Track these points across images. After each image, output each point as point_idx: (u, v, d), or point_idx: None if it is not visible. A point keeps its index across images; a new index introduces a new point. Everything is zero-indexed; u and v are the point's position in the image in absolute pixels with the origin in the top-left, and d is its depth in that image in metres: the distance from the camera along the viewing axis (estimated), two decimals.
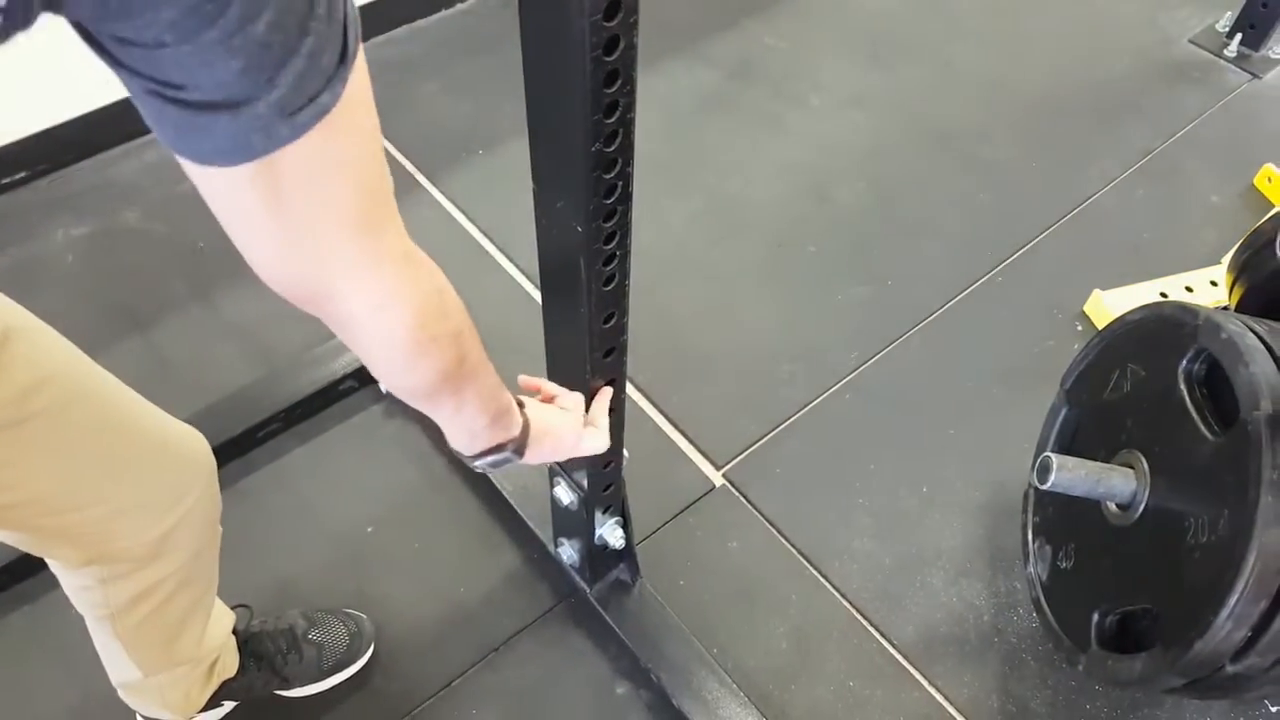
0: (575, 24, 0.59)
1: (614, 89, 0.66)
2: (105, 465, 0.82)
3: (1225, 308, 1.36)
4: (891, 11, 2.25)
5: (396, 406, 1.50)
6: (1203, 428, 1.01)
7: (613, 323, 0.87)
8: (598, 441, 0.90)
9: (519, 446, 0.79)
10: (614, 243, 0.80)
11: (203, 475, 0.92)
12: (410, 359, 0.61)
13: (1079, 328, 1.65)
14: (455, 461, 1.43)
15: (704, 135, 1.96)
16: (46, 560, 0.91)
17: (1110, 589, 1.10)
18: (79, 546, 0.85)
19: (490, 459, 0.78)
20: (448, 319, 0.62)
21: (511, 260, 1.70)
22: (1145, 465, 1.08)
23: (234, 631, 1.12)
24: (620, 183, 0.75)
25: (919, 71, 2.11)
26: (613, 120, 0.69)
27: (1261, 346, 0.96)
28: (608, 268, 0.82)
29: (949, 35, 2.20)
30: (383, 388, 1.49)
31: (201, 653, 1.05)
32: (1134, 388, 1.15)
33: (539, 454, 0.83)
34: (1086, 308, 1.66)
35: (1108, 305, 1.61)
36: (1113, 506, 1.11)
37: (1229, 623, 0.90)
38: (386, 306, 0.56)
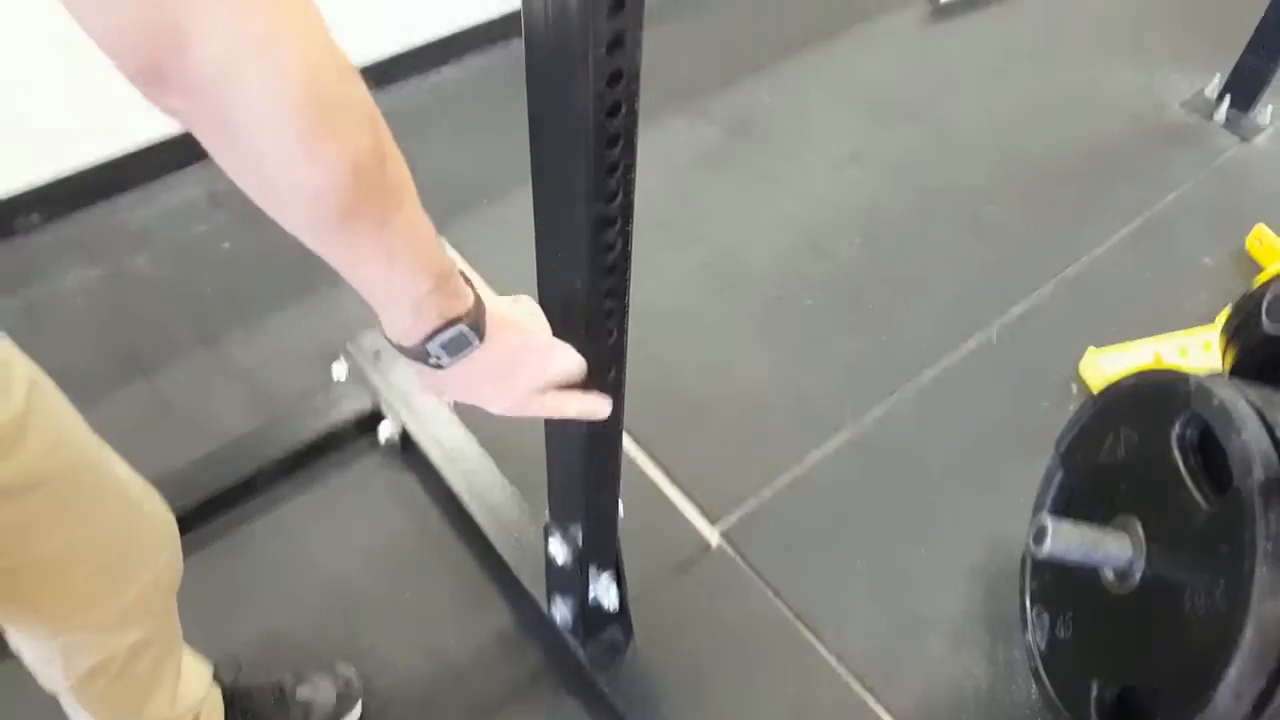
0: (580, 89, 0.61)
1: (616, 150, 0.68)
2: (98, 530, 0.79)
3: (1219, 371, 1.37)
4: (888, 72, 2.29)
5: (393, 456, 1.50)
6: (1196, 494, 1.01)
7: (611, 377, 0.88)
8: (571, 360, 0.75)
9: (476, 323, 0.63)
10: (613, 298, 0.80)
11: (171, 538, 0.89)
12: (310, 133, 0.44)
13: (1074, 388, 1.65)
14: (450, 513, 1.43)
15: (703, 190, 1.98)
16: (5, 632, 0.85)
17: (1109, 660, 1.10)
18: (52, 616, 0.81)
19: (444, 337, 0.61)
20: (349, 79, 0.47)
21: None
22: (1141, 531, 1.08)
23: (221, 686, 1.11)
24: (620, 240, 0.76)
25: (915, 131, 2.14)
26: (614, 180, 0.70)
27: (1253, 413, 0.97)
28: (607, 322, 0.83)
29: (945, 96, 2.24)
30: (383, 435, 1.49)
31: (177, 712, 1.01)
32: (1128, 452, 1.15)
33: (505, 348, 0.67)
34: (1081, 367, 1.67)
35: (1102, 366, 1.62)
36: (1109, 573, 1.11)
37: (1230, 699, 0.89)
38: (267, 46, 0.41)
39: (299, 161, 0.45)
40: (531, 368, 0.72)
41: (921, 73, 2.30)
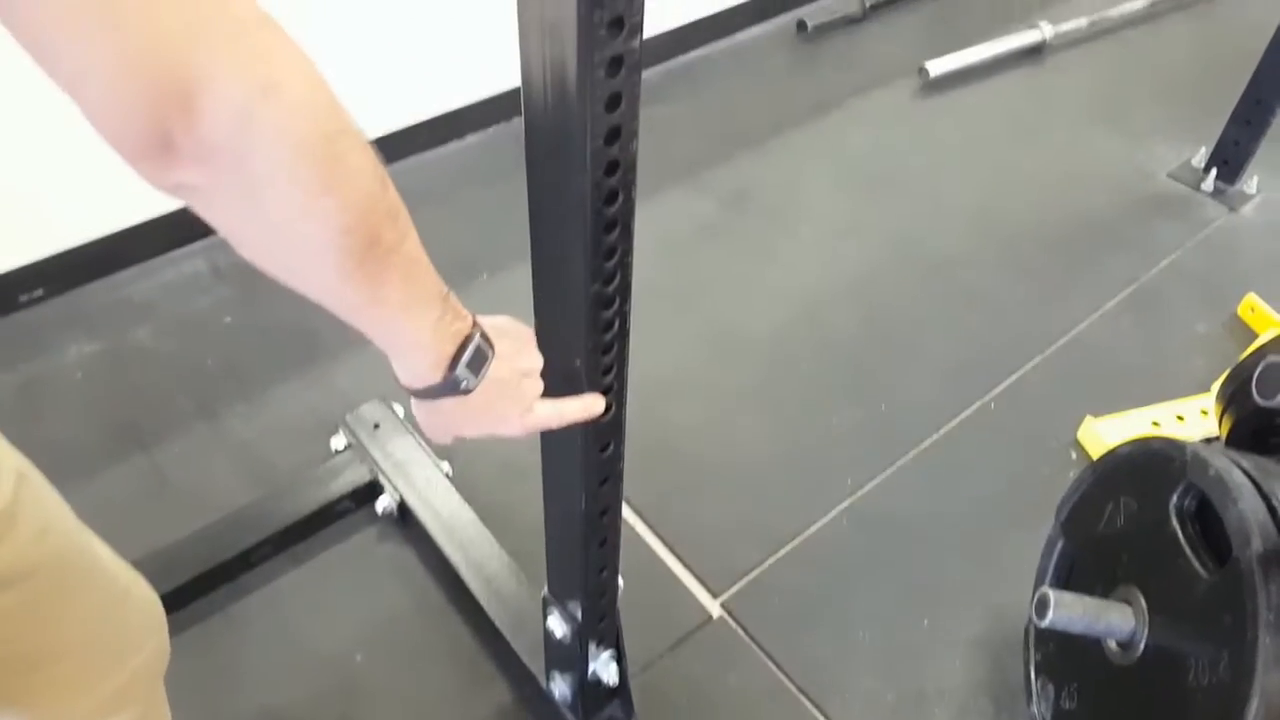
0: (578, 178, 0.62)
1: (613, 235, 0.69)
2: (87, 619, 0.77)
3: (1216, 437, 1.38)
4: (880, 146, 2.33)
5: (391, 528, 1.49)
6: (1197, 564, 1.01)
7: (609, 451, 0.89)
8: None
9: (484, 334, 0.65)
10: (612, 374, 0.82)
11: (158, 622, 0.86)
12: (328, 170, 0.45)
13: (1073, 455, 1.66)
14: (448, 586, 1.42)
15: (701, 261, 2.01)
16: None
17: None
18: (38, 707, 0.77)
19: (467, 355, 0.63)
20: (342, 109, 0.47)
21: None
22: (1143, 602, 1.07)
23: None
24: (618, 319, 0.77)
25: (908, 202, 2.18)
26: (612, 263, 0.72)
27: (1249, 483, 0.97)
28: (605, 398, 0.84)
29: (936, 168, 2.28)
30: (380, 507, 1.48)
31: None
32: (1127, 521, 1.15)
33: (509, 354, 0.68)
34: (1080, 436, 1.67)
35: (1100, 434, 1.63)
36: (1113, 644, 1.11)
37: None
38: (273, 91, 0.41)
39: (321, 200, 0.46)
40: (532, 366, 0.74)
41: (913, 145, 2.35)
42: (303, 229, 0.47)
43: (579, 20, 0.54)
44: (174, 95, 0.39)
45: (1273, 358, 1.02)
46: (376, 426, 1.54)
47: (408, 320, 0.59)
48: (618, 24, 0.56)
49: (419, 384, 0.64)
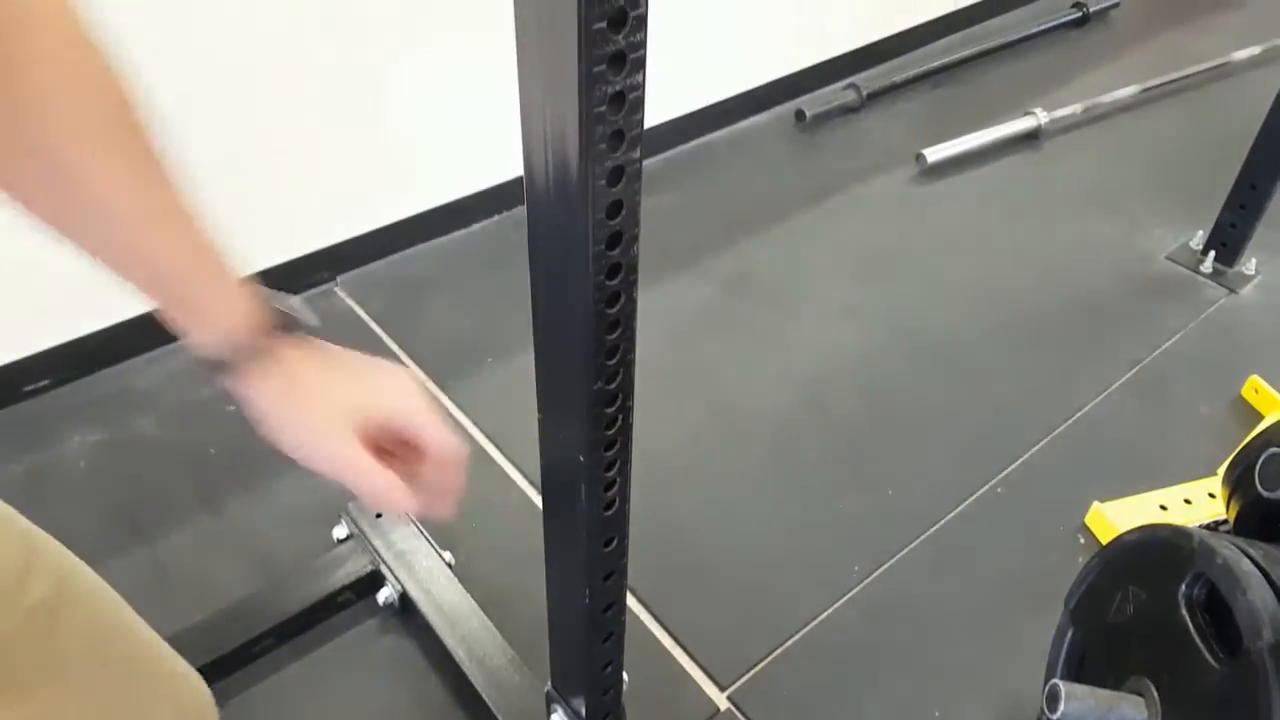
0: (579, 282, 0.64)
1: (615, 335, 0.71)
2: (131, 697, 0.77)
3: (1224, 521, 1.37)
4: (880, 229, 2.37)
5: (392, 620, 1.48)
6: (1208, 655, 0.99)
7: (612, 546, 0.88)
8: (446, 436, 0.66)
9: (240, 347, 0.57)
10: (614, 470, 0.82)
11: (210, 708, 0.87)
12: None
13: (1081, 540, 1.64)
14: (450, 679, 1.40)
15: (703, 345, 2.02)
16: None
17: None
18: None
19: (295, 298, 0.58)
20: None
21: (517, 467, 1.73)
22: (1155, 694, 1.05)
23: None
24: (621, 415, 0.78)
25: (908, 286, 2.20)
26: (614, 362, 0.73)
27: (1257, 572, 0.96)
28: (608, 493, 0.84)
29: (936, 251, 2.31)
30: (382, 598, 1.47)
31: None
32: (1137, 610, 1.14)
33: (345, 355, 0.62)
34: (1088, 520, 1.66)
35: (1109, 518, 1.62)
36: None
37: None
38: None
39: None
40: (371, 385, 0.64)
41: (912, 229, 2.38)
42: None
43: (581, 134, 0.56)
44: None
45: (1275, 449, 1.02)
46: (378, 516, 1.54)
47: (201, 252, 0.55)
48: (618, 136, 0.58)
49: (229, 331, 0.58)
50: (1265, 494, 1.07)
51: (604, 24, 0.55)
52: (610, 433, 0.78)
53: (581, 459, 0.79)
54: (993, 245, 2.34)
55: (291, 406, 0.59)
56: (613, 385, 0.74)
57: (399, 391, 0.66)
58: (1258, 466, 1.10)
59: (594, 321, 0.66)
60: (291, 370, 0.59)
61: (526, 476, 1.71)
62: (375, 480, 0.62)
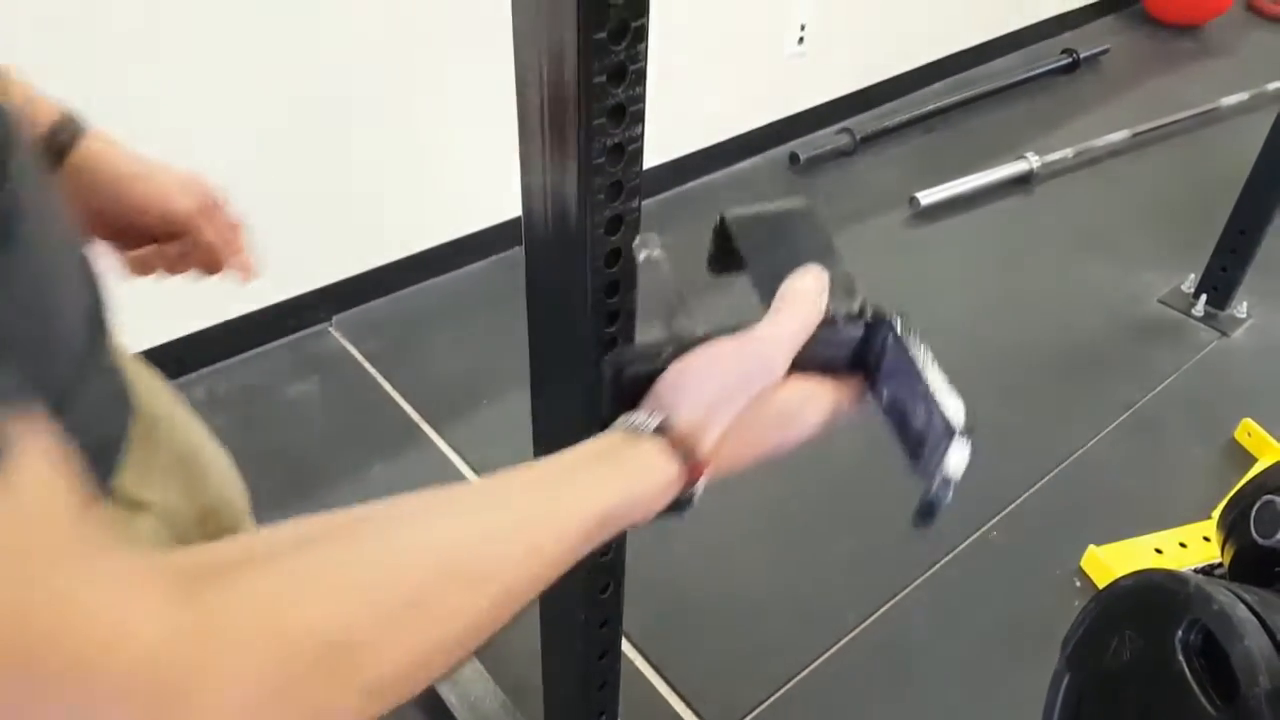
0: (578, 327, 0.64)
1: None
2: None
3: (1220, 564, 1.37)
4: (874, 272, 2.36)
5: None
6: (1204, 702, 0.99)
7: (608, 593, 0.88)
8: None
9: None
10: None
11: None
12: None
13: (1077, 584, 1.64)
14: None
15: None
16: None
17: None
18: None
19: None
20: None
21: None
22: None
23: None
24: None
25: None
26: None
27: (1253, 618, 0.96)
28: (605, 557, 0.84)
29: (930, 294, 2.33)
30: None
31: None
32: (1134, 655, 1.14)
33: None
34: (1083, 564, 1.66)
35: (1104, 562, 1.62)
36: None
37: None
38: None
39: None
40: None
41: (906, 272, 2.40)
42: None
43: (580, 185, 0.57)
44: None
45: (1269, 496, 1.03)
46: None
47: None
48: (617, 187, 0.59)
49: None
50: (1260, 541, 1.08)
51: (604, 78, 0.56)
52: None
53: None
54: (986, 288, 2.36)
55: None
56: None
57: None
58: (1253, 513, 1.10)
59: (593, 365, 0.66)
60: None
61: None
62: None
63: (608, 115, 0.58)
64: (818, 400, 0.55)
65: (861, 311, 0.54)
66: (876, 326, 0.55)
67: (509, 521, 0.43)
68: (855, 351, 0.56)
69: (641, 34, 0.56)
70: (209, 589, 0.32)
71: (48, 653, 0.27)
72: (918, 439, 0.56)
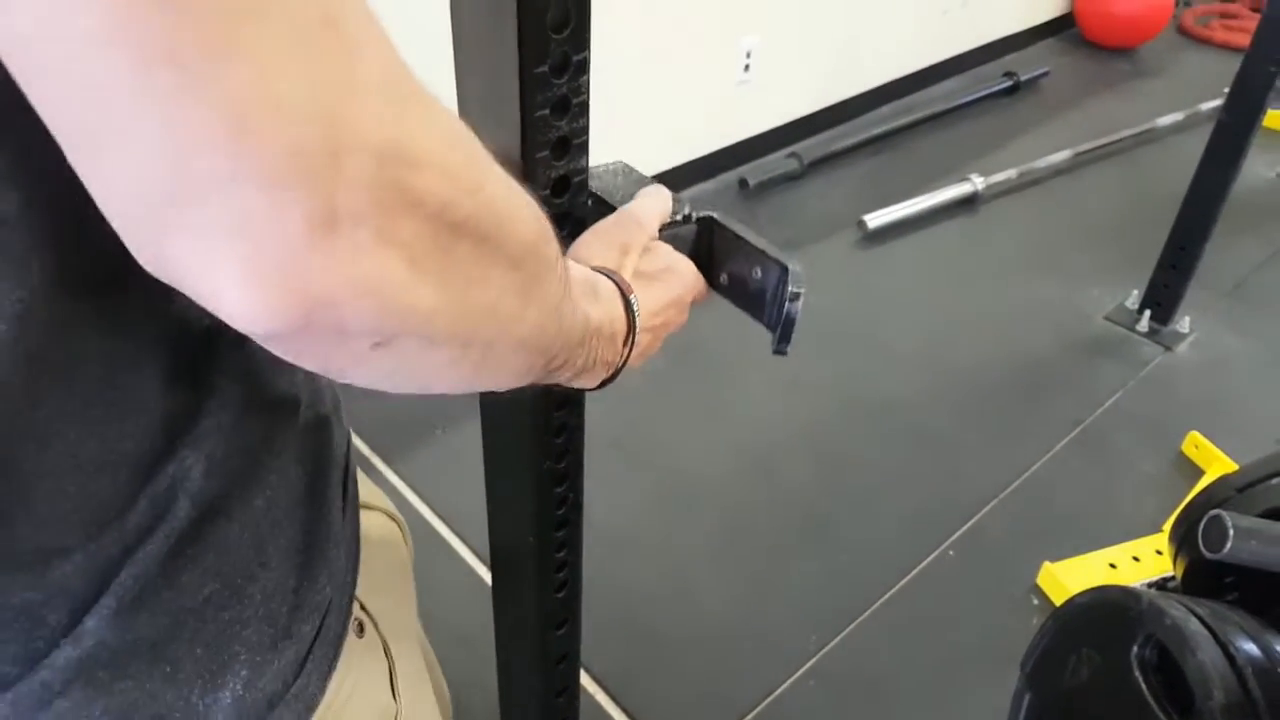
0: None
1: (564, 411, 0.70)
2: None
3: (1173, 577, 1.38)
4: (824, 296, 2.40)
5: None
6: (1162, 716, 1.00)
7: (564, 630, 0.87)
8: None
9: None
10: (565, 551, 0.81)
11: None
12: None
13: (1034, 601, 1.65)
14: None
15: (654, 416, 2.02)
16: None
17: None
18: None
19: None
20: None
21: (468, 545, 1.70)
22: None
23: None
24: (570, 494, 0.77)
25: (854, 351, 2.23)
26: (562, 440, 0.72)
27: (1205, 631, 0.97)
28: (559, 574, 0.82)
29: (879, 316, 2.35)
30: None
31: None
32: (1092, 672, 1.14)
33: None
34: (1039, 580, 1.67)
35: (1060, 578, 1.63)
36: None
37: None
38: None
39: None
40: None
41: (856, 295, 2.42)
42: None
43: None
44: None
45: (1215, 512, 1.04)
46: None
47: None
48: (563, 219, 0.58)
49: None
50: (1209, 555, 1.09)
51: (546, 111, 0.55)
52: (560, 512, 0.77)
53: (530, 540, 0.77)
54: (935, 309, 2.39)
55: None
56: (562, 464, 0.73)
57: None
58: (1200, 529, 1.12)
59: (541, 397, 0.65)
60: None
61: (477, 554, 1.68)
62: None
63: (551, 148, 0.57)
64: (684, 261, 0.65)
65: (689, 216, 0.66)
66: (704, 221, 0.66)
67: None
68: (693, 250, 0.67)
69: (583, 67, 0.56)
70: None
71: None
72: (758, 290, 0.67)
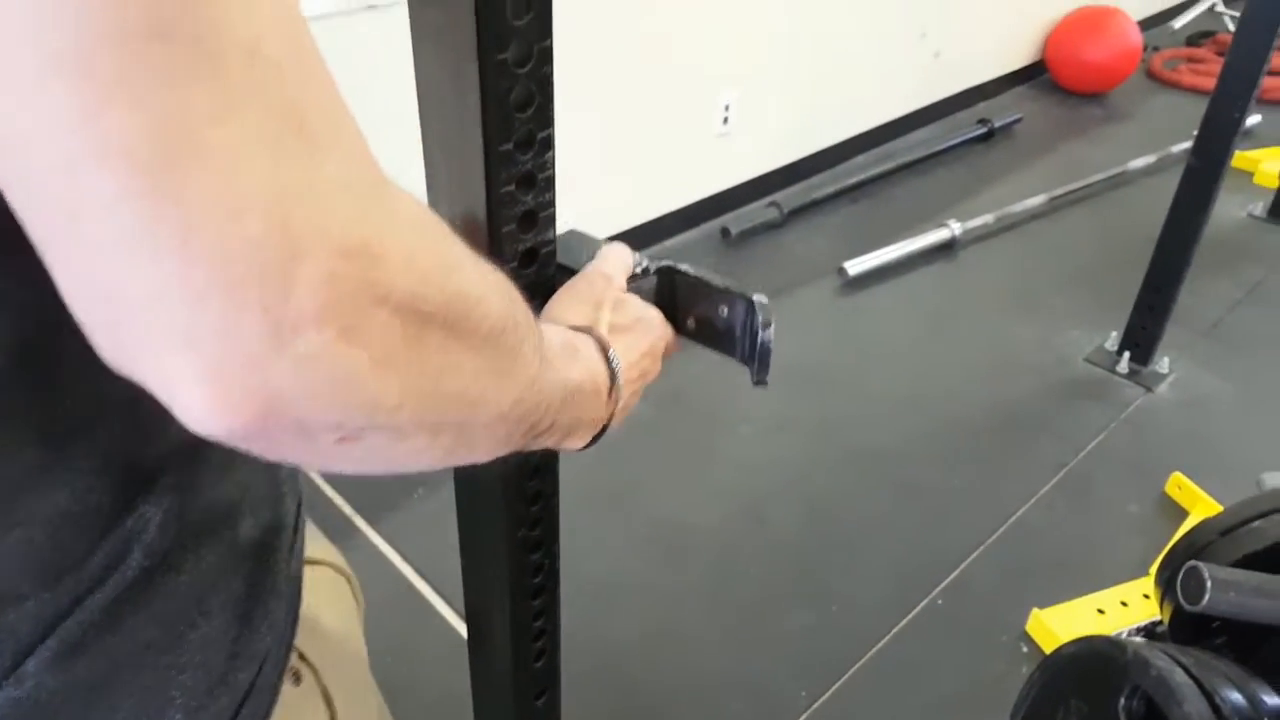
0: None
1: (536, 480, 0.70)
2: None
3: (1160, 620, 1.38)
4: (806, 342, 2.41)
5: None
6: None
7: (543, 700, 0.86)
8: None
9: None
10: (542, 619, 0.80)
11: None
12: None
13: (1024, 649, 1.64)
14: None
15: (641, 463, 2.01)
16: None
17: None
18: None
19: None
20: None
21: (450, 605, 1.68)
22: None
23: None
24: (546, 561, 0.77)
25: (838, 397, 2.23)
26: (536, 507, 0.72)
27: (1190, 682, 0.97)
28: (536, 643, 0.81)
29: (861, 361, 2.36)
30: None
31: None
32: None
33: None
34: (1029, 628, 1.66)
35: (1049, 625, 1.62)
36: None
37: None
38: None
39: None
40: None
41: (838, 341, 2.43)
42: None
43: None
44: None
45: (1192, 563, 1.04)
46: None
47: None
48: (531, 290, 0.58)
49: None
50: (1188, 607, 1.09)
51: (512, 187, 0.56)
52: (536, 580, 0.76)
53: (506, 608, 0.77)
54: (917, 354, 2.40)
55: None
56: (536, 531, 0.73)
57: None
58: (1179, 582, 1.12)
59: (514, 464, 0.65)
60: None
61: (460, 615, 1.66)
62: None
63: (518, 222, 0.58)
64: (653, 310, 0.66)
65: (648, 268, 0.67)
66: (663, 271, 0.68)
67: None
68: (656, 301, 0.68)
69: (548, 143, 0.56)
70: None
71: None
72: (727, 328, 0.68)
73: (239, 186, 0.28)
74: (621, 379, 0.58)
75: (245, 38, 0.28)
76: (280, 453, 0.34)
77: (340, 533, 1.82)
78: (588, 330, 0.57)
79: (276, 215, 0.29)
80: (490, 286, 0.41)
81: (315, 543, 0.70)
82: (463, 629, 1.64)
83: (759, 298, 0.64)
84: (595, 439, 0.59)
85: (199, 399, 0.30)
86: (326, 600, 0.69)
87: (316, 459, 0.36)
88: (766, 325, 0.64)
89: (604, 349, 0.57)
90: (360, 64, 1.86)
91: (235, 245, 0.28)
